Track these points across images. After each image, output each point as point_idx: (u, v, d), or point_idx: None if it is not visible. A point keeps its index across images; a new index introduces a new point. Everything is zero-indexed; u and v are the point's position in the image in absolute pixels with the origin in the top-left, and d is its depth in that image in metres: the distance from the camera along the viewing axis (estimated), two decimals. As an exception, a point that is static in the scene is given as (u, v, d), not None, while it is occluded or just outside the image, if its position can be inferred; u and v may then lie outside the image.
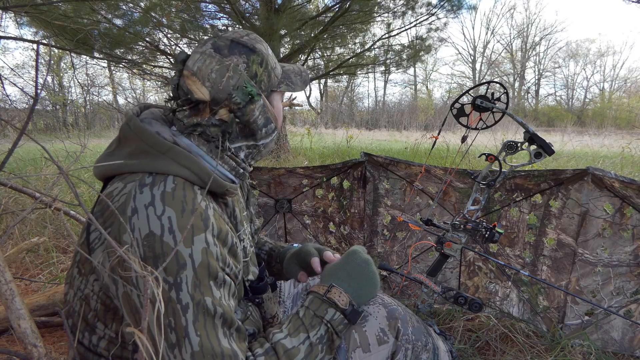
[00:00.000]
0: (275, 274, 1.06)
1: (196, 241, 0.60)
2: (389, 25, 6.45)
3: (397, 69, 7.25)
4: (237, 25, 5.79)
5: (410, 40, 6.80)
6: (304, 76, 0.85)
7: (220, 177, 0.71)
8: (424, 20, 6.09)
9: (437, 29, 6.29)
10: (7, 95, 2.89)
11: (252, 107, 0.73)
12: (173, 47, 5.84)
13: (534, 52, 31.38)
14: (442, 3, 5.75)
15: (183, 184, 0.64)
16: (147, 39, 5.31)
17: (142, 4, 4.75)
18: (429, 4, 5.89)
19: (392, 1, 5.91)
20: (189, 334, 0.57)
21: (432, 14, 5.98)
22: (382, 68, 7.19)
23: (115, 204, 0.61)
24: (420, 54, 6.72)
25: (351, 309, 0.74)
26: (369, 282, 0.80)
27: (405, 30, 6.37)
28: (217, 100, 0.70)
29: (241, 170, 0.77)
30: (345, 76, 7.63)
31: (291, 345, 0.67)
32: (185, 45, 6.03)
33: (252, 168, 0.84)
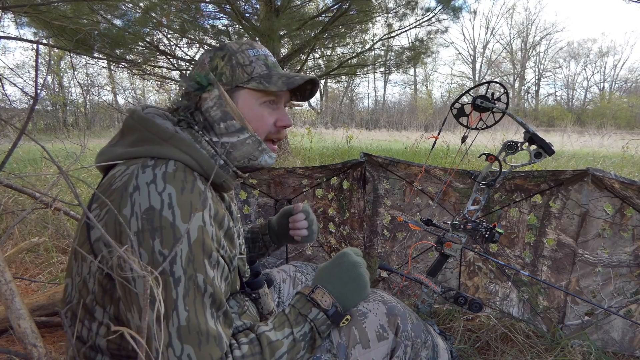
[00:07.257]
0: (265, 246, 1.12)
1: (193, 218, 0.61)
2: (389, 25, 6.45)
3: (398, 70, 7.25)
4: (237, 26, 5.79)
5: (410, 42, 6.81)
6: (293, 80, 0.76)
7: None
8: (424, 21, 6.09)
9: (437, 31, 6.29)
10: (7, 95, 2.88)
11: (205, 95, 0.76)
12: (173, 47, 5.84)
13: (534, 52, 31.42)
14: (440, 7, 5.75)
15: (184, 168, 0.67)
16: (147, 39, 5.30)
17: (141, 4, 4.74)
18: (427, 9, 5.90)
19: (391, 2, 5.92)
20: (178, 307, 0.58)
21: (433, 16, 5.97)
22: (383, 68, 7.19)
23: (118, 183, 0.63)
24: (422, 56, 6.72)
25: (334, 311, 0.75)
26: (356, 285, 0.80)
27: (406, 31, 6.37)
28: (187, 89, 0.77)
29: (221, 162, 0.77)
30: (345, 76, 7.63)
31: (275, 338, 0.69)
32: (185, 46, 6.03)
33: (238, 171, 0.80)
